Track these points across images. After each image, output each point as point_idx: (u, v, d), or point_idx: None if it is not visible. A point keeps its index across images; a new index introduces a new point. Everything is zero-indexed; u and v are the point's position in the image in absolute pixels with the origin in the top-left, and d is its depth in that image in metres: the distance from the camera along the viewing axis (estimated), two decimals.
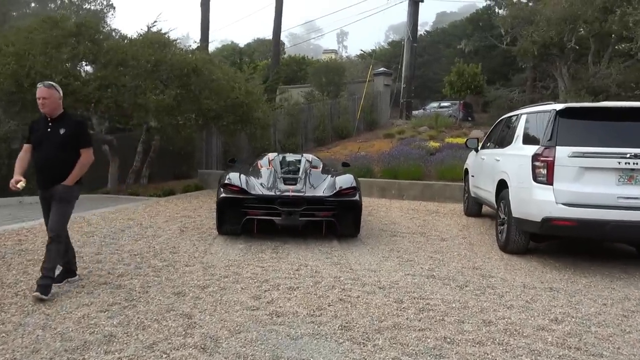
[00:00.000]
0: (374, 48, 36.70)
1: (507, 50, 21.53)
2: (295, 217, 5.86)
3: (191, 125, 10.46)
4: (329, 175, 6.65)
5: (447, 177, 11.00)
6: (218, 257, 5.24)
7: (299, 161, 7.05)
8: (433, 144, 13.82)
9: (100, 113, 9.92)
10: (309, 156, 7.41)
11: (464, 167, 9.06)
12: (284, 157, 7.26)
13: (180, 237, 6.22)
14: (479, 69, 17.72)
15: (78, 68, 8.87)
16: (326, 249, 5.79)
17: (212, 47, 20.73)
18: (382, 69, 21.18)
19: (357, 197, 5.99)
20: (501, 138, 6.94)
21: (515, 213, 5.40)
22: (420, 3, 21.02)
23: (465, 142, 8.25)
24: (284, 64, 29.16)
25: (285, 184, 6.34)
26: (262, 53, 31.34)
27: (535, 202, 5.02)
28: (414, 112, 21.98)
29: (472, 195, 8.16)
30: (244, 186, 5.90)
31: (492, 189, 6.44)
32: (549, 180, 4.96)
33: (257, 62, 23.66)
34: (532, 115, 5.87)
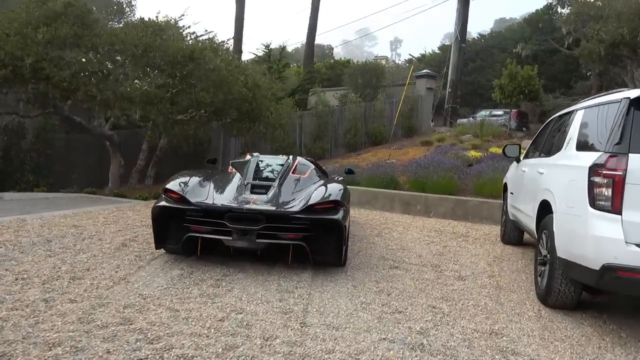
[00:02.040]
0: (424, 52, 34.74)
1: (570, 54, 19.18)
2: (251, 238, 4.33)
3: (189, 121, 9.19)
4: (315, 185, 5.09)
5: (485, 192, 9.14)
6: (130, 290, 3.79)
7: (281, 165, 5.53)
8: (473, 154, 11.91)
9: (79, 102, 8.86)
10: (297, 159, 5.87)
11: (503, 181, 7.23)
12: (263, 159, 5.76)
13: (112, 254, 4.85)
14: (535, 72, 15.58)
15: (59, 52, 7.84)
16: (290, 283, 4.23)
17: (252, 48, 19.69)
18: (425, 70, 19.33)
19: (337, 215, 4.38)
20: (548, 143, 5.13)
21: (562, 252, 3.62)
22: (470, 1, 19.07)
23: (503, 150, 6.43)
24: (325, 67, 27.86)
25: (252, 193, 4.84)
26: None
27: (593, 239, 3.24)
28: (461, 120, 19.96)
29: (511, 217, 6.34)
30: (186, 194, 4.45)
31: (532, 212, 4.66)
32: (616, 207, 3.18)
33: (291, 65, 22.41)
34: (592, 110, 4.06)
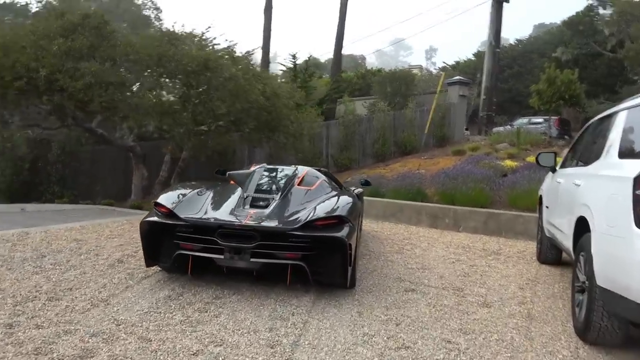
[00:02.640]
0: (458, 59, 33.86)
1: (613, 57, 18.08)
2: (244, 257, 3.90)
3: (207, 132, 8.91)
4: (321, 198, 4.63)
5: (520, 205, 8.43)
6: (107, 314, 3.43)
7: (286, 176, 5.10)
8: (509, 163, 11.15)
9: (97, 114, 8.71)
10: (305, 169, 5.43)
11: (539, 193, 6.56)
12: (268, 170, 5.34)
13: (104, 271, 4.52)
14: (575, 76, 14.65)
15: (74, 63, 7.73)
16: (287, 308, 3.77)
17: (281, 59, 19.47)
18: (457, 77, 18.60)
19: (340, 233, 3.90)
20: (587, 151, 4.50)
21: (601, 280, 3.02)
22: (505, 3, 18.29)
23: (537, 158, 5.78)
24: (356, 76, 27.43)
25: (252, 207, 4.42)
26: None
27: (639, 266, 2.64)
28: (497, 129, 19.08)
29: (546, 234, 5.69)
30: (175, 208, 4.07)
31: (568, 229, 4.05)
32: None
33: (323, 75, 22.09)
34: (638, 111, 3.43)
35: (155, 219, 4.08)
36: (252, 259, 3.89)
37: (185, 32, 9.10)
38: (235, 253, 3.91)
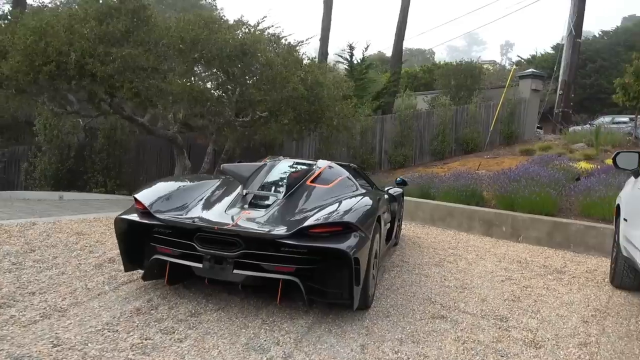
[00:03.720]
0: (534, 53, 31.45)
1: None
2: (225, 268, 3.21)
3: (247, 122, 8.33)
4: (339, 199, 3.85)
5: (594, 214, 7.19)
6: (52, 329, 2.87)
7: (299, 171, 4.35)
8: (584, 165, 9.77)
9: (127, 100, 8.39)
10: (326, 164, 4.64)
11: (616, 202, 5.36)
12: (281, 163, 4.62)
13: (87, 272, 4.02)
14: None
15: (107, 48, 7.43)
16: (272, 334, 3.04)
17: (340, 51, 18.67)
18: (530, 70, 16.94)
19: (343, 244, 3.10)
20: None
21: None
22: None
23: (614, 158, 4.63)
24: (422, 70, 26.16)
25: (251, 206, 3.73)
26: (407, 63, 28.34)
27: None
28: (574, 128, 17.22)
29: (623, 252, 4.55)
30: (152, 205, 3.45)
31: None
32: None
33: (382, 68, 21.06)
34: None
35: (129, 216, 3.49)
36: (235, 271, 3.19)
37: (224, 17, 8.58)
38: (217, 262, 3.23)
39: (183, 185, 3.91)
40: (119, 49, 7.52)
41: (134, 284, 3.82)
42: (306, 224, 3.15)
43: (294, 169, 4.30)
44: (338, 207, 3.48)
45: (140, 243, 3.59)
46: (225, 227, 3.19)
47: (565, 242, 6.81)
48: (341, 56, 17.88)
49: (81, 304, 3.32)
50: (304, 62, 9.29)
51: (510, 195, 7.87)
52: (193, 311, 3.34)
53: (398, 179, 6.12)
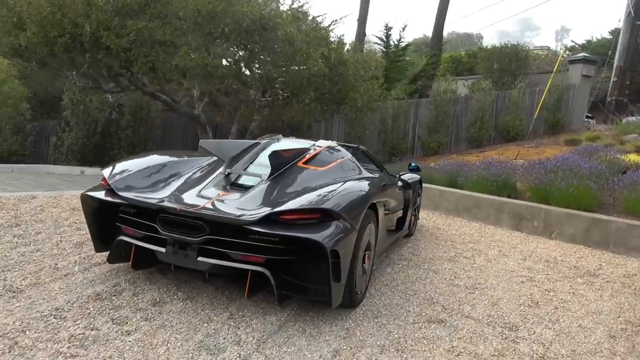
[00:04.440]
0: (590, 38, 29.44)
1: None
2: (190, 254, 2.87)
3: (268, 101, 7.95)
4: (330, 183, 3.43)
5: (639, 211, 6.43)
6: None
7: (293, 151, 3.93)
8: (633, 158, 8.87)
9: (141, 74, 8.16)
10: (326, 144, 4.21)
11: None
12: (275, 143, 4.22)
13: (65, 250, 3.79)
14: None
15: (122, 20, 7.21)
16: (234, 332, 2.69)
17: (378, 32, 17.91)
18: (581, 54, 15.71)
19: (320, 234, 2.69)
20: None
21: None
22: None
23: None
24: (467, 55, 25.04)
25: (233, 187, 3.37)
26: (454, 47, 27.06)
27: None
28: (629, 118, 15.92)
29: None
30: (116, 181, 3.14)
31: None
32: None
33: (423, 51, 20.12)
34: None
35: (95, 193, 3.21)
36: (199, 258, 2.85)
37: None
38: (180, 248, 2.90)
39: (161, 162, 3.58)
40: (135, 22, 7.29)
41: (108, 266, 3.55)
42: (277, 209, 2.76)
43: (288, 149, 3.90)
44: (322, 191, 3.06)
45: (110, 222, 3.30)
46: (190, 209, 2.85)
47: (603, 241, 6.12)
48: (378, 37, 17.20)
49: (40, 285, 3.07)
50: (331, 39, 8.79)
51: (545, 187, 7.18)
52: (158, 299, 3.04)
53: (412, 164, 5.61)
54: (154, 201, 2.97)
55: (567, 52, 22.12)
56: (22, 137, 11.34)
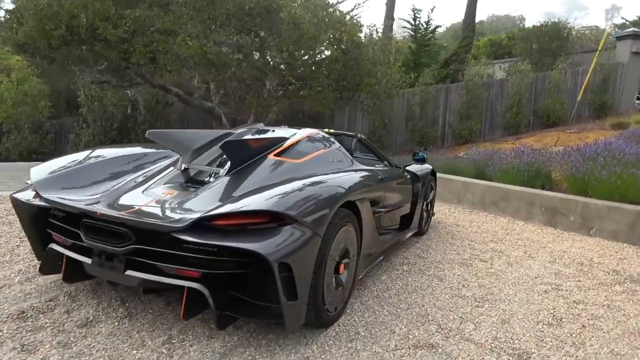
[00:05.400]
0: None
1: None
2: (116, 267, 2.39)
3: (270, 91, 7.44)
4: (307, 177, 2.89)
5: None
6: None
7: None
8: None
9: (140, 65, 7.78)
10: (307, 133, 3.64)
11: None
12: (248, 133, 3.69)
13: (17, 256, 3.43)
14: None
15: (121, 10, 6.87)
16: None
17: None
18: (630, 29, 14.35)
19: (262, 243, 2.15)
20: None
21: None
22: None
23: None
24: (507, 37, 23.75)
25: (186, 185, 2.89)
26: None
27: None
28: None
29: None
30: (41, 180, 2.71)
31: None
32: None
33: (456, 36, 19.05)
34: None
35: (21, 194, 2.79)
36: (127, 271, 2.36)
37: None
38: (108, 259, 2.42)
39: (109, 157, 3.13)
40: (132, 11, 6.93)
41: (55, 276, 3.14)
42: (209, 213, 2.23)
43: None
44: (279, 189, 2.51)
45: (31, 230, 2.88)
46: (112, 212, 2.37)
47: None
48: (406, 20, 16.34)
49: None
50: (346, 19, 8.13)
51: (584, 176, 6.34)
52: (91, 318, 2.60)
53: (419, 154, 4.94)
54: (77, 204, 2.51)
55: (616, 29, 20.46)
56: (41, 135, 11.35)
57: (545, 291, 3.64)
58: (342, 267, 2.78)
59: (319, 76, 7.42)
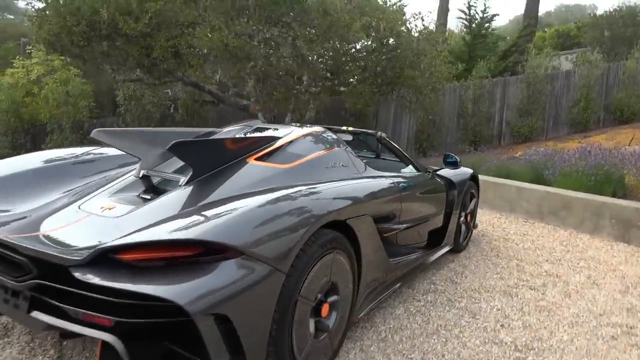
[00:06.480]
0: None
1: None
2: (20, 305, 1.85)
3: (316, 85, 6.78)
4: (291, 187, 2.25)
5: None
6: None
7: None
8: None
9: (162, 60, 7.35)
10: (303, 131, 2.96)
11: None
12: (234, 131, 3.08)
13: None
14: None
15: (140, 5, 6.54)
16: None
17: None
18: None
19: (181, 286, 1.52)
20: None
21: None
22: None
23: None
24: (576, 27, 21.95)
25: (148, 195, 2.34)
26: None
27: None
28: None
29: None
30: None
31: None
32: None
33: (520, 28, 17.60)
34: None
35: None
36: (30, 312, 1.81)
37: None
38: (13, 294, 1.89)
39: (52, 163, 2.62)
40: (153, 3, 6.55)
41: None
42: (113, 243, 1.63)
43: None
44: (232, 206, 1.88)
45: None
46: (9, 237, 1.82)
47: None
48: (461, 10, 15.19)
49: None
50: (386, 6, 7.35)
51: None
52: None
53: (450, 157, 4.12)
54: None
55: None
56: (81, 134, 11.40)
57: (613, 337, 2.78)
58: (325, 308, 2.11)
59: (354, 69, 6.73)
